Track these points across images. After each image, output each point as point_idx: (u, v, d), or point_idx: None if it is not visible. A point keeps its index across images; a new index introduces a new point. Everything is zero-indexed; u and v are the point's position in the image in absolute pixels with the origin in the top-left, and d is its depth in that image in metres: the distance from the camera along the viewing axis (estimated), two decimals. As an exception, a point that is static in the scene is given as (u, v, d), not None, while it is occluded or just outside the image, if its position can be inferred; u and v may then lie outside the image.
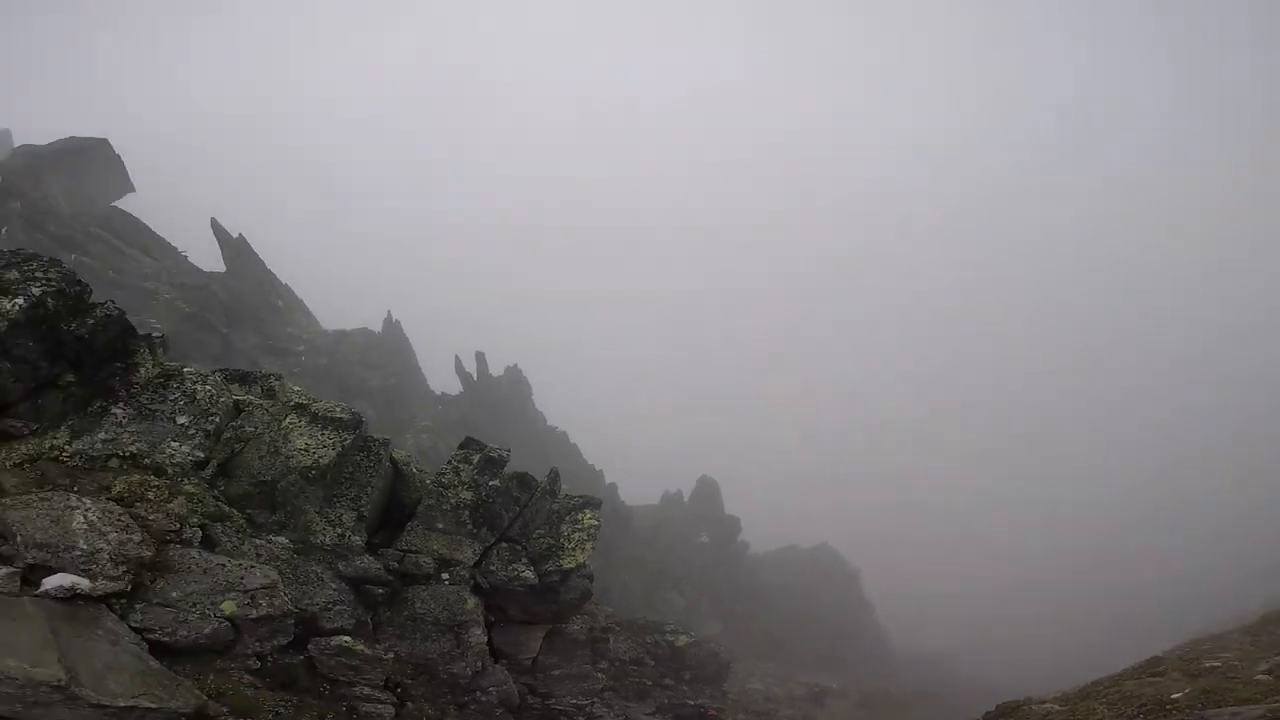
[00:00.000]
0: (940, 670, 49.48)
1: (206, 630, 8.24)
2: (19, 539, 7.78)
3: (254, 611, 8.60)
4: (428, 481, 12.48)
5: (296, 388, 12.29)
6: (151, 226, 33.54)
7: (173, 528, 9.12)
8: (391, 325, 42.41)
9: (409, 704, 9.90)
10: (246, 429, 10.84)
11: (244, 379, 11.99)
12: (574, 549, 12.87)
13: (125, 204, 35.75)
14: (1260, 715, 6.80)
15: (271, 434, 10.91)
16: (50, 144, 32.54)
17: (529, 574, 12.21)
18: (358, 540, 11.14)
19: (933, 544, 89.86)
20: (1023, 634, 61.72)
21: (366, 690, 9.28)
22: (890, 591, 61.97)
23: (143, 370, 10.33)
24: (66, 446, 9.48)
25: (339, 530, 10.99)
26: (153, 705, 7.03)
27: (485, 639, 11.41)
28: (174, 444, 10.12)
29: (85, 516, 8.38)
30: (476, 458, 12.91)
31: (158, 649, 7.83)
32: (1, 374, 9.11)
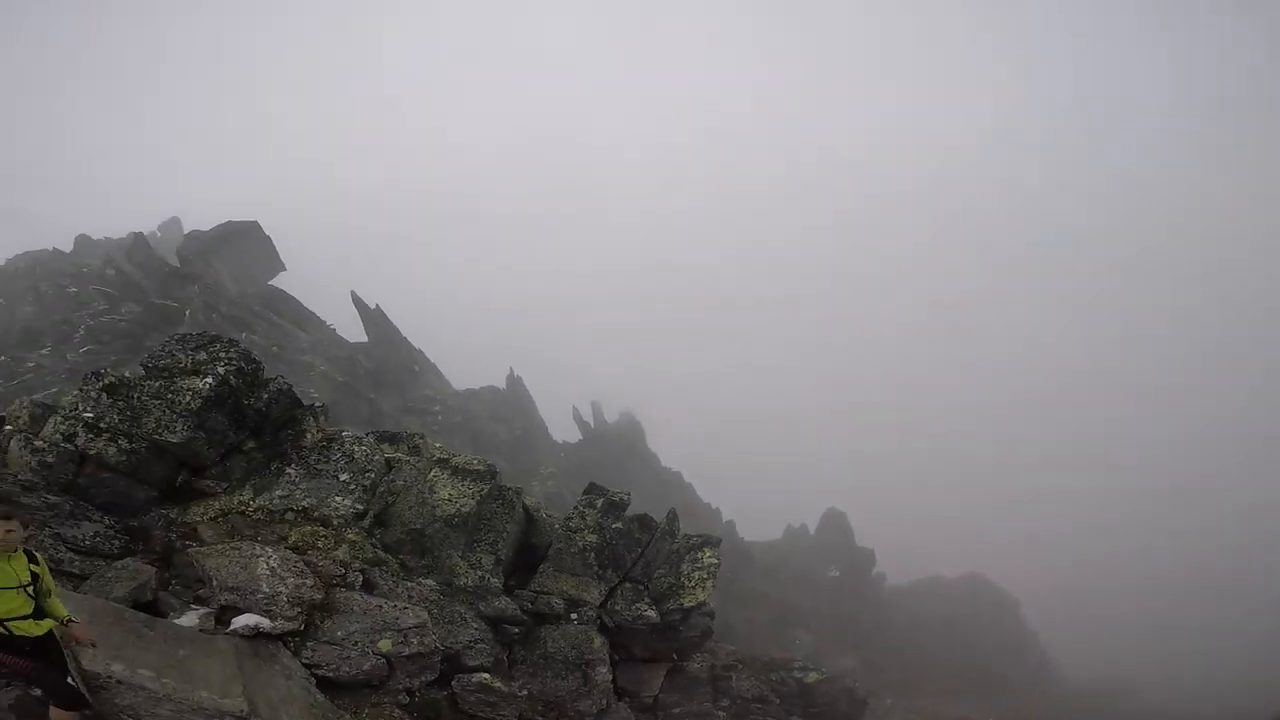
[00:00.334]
0: (1116, 702, 44.63)
1: (365, 667, 8.72)
2: (215, 583, 8.69)
3: (407, 649, 9.06)
4: (556, 526, 12.98)
5: (437, 444, 13.29)
6: (301, 300, 37.11)
7: (338, 573, 9.90)
8: (514, 381, 44.56)
9: (539, 740, 10.17)
10: (397, 483, 11.79)
11: (392, 439, 13.12)
12: (694, 587, 12.91)
13: (276, 280, 39.84)
14: None
15: (419, 487, 11.81)
16: (213, 229, 36.67)
17: (651, 613, 12.35)
18: (496, 582, 11.71)
19: (1102, 569, 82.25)
20: (1207, 666, 55.01)
21: (502, 726, 9.53)
22: (1059, 620, 56.79)
23: (309, 435, 11.57)
24: (251, 502, 10.65)
25: (479, 573, 11.60)
26: (319, 736, 7.52)
27: (610, 677, 11.54)
28: (338, 498, 11.11)
29: (268, 563, 9.19)
30: (600, 502, 13.25)
31: (323, 684, 8.36)
32: (197, 443, 10.44)
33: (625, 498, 13.57)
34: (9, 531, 5.76)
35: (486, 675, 9.91)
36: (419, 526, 11.52)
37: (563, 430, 45.75)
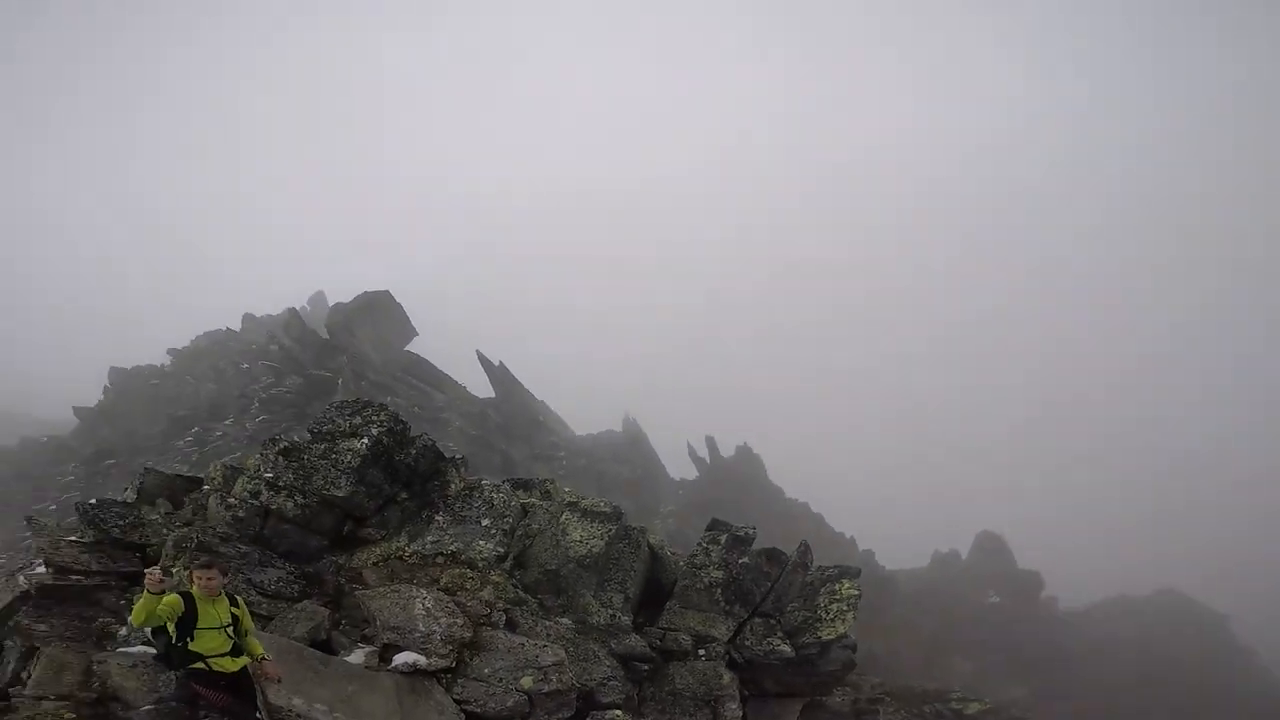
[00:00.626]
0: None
1: (509, 703, 8.93)
2: (378, 622, 9.35)
3: (546, 686, 9.26)
4: (681, 563, 12.96)
5: (566, 488, 13.82)
6: (433, 362, 39.65)
7: (484, 612, 10.40)
8: (630, 423, 45.34)
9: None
10: (533, 526, 12.30)
11: (526, 485, 13.76)
12: (833, 620, 12.41)
13: (411, 344, 42.69)
14: None
15: (552, 529, 12.25)
16: (352, 301, 39.81)
17: (785, 647, 12.00)
18: (626, 620, 11.82)
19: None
20: None
21: (633, 762, 9.51)
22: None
23: (453, 485, 12.39)
24: (406, 548, 11.43)
25: (610, 611, 11.79)
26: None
27: (740, 713, 11.30)
28: (481, 542, 11.69)
29: (423, 604, 9.76)
30: (724, 538, 13.11)
31: (471, 719, 8.66)
32: (359, 496, 11.46)
33: (750, 532, 13.38)
34: (210, 579, 6.58)
35: (618, 712, 9.96)
36: (554, 567, 11.95)
37: (679, 468, 45.88)
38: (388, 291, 41.48)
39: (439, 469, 12.55)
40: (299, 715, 7.20)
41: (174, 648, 6.45)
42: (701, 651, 11.82)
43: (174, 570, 9.37)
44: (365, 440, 11.63)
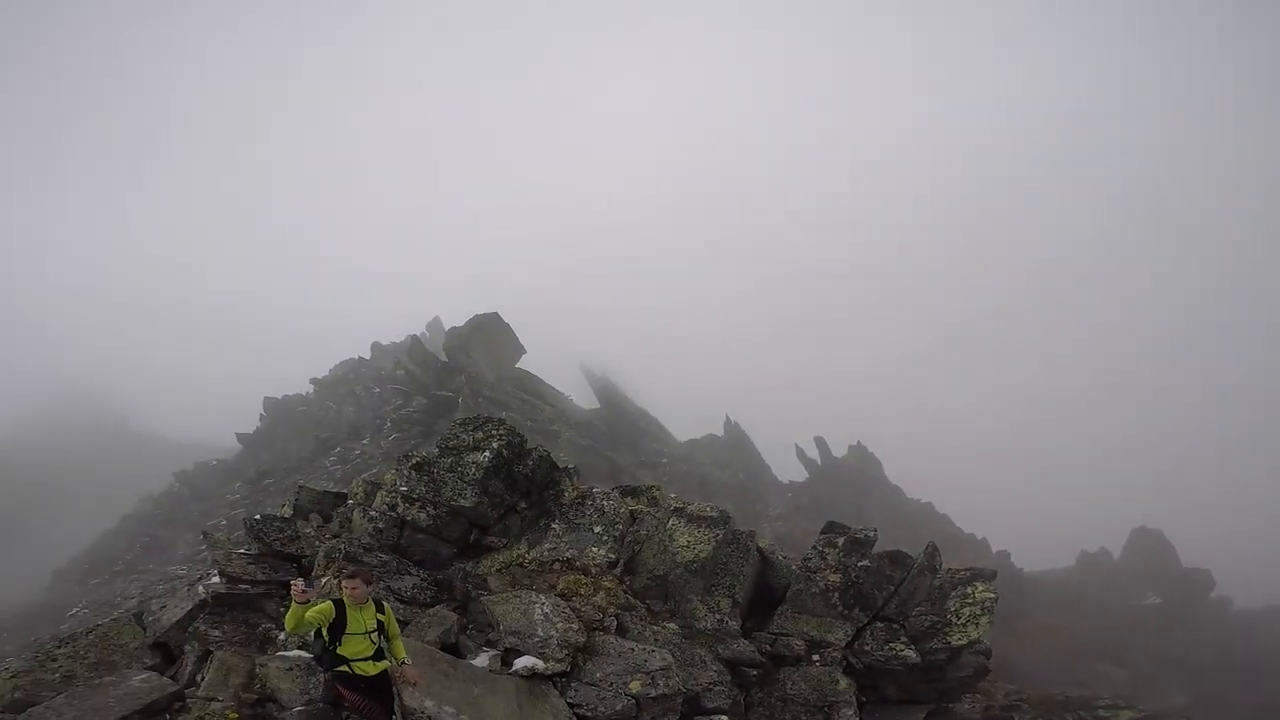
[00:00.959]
0: None
1: (618, 707, 8.93)
2: (501, 627, 9.68)
3: (654, 691, 9.23)
4: (794, 567, 12.72)
5: (672, 494, 13.83)
6: (541, 376, 40.76)
7: (597, 617, 10.57)
8: (731, 426, 44.74)
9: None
10: (641, 532, 12.41)
11: (633, 492, 13.88)
12: (964, 624, 11.79)
13: (520, 361, 44.02)
14: None
15: (660, 535, 12.32)
16: (465, 324, 41.49)
17: (909, 653, 11.45)
18: (734, 625, 11.70)
19: None
20: None
21: (739, 767, 9.34)
22: None
23: (566, 494, 12.71)
24: (526, 555, 11.83)
25: (718, 616, 11.71)
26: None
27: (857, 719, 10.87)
28: (594, 549, 11.92)
29: (542, 609, 10.04)
30: (841, 540, 12.75)
31: None
32: (483, 505, 11.97)
33: (871, 534, 12.92)
34: (355, 588, 6.94)
35: (724, 717, 9.85)
36: (662, 573, 11.99)
37: (786, 471, 44.78)
38: (496, 313, 43.16)
39: (554, 478, 12.90)
40: (430, 716, 7.50)
41: (326, 651, 6.88)
42: (815, 657, 11.52)
43: (323, 580, 10.07)
44: (487, 453, 12.14)
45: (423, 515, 11.59)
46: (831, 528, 13.35)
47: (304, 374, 54.45)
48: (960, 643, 11.56)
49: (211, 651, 8.98)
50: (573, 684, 9.15)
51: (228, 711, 7.90)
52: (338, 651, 6.83)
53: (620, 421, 38.94)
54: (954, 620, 11.82)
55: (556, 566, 11.63)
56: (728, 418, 45.22)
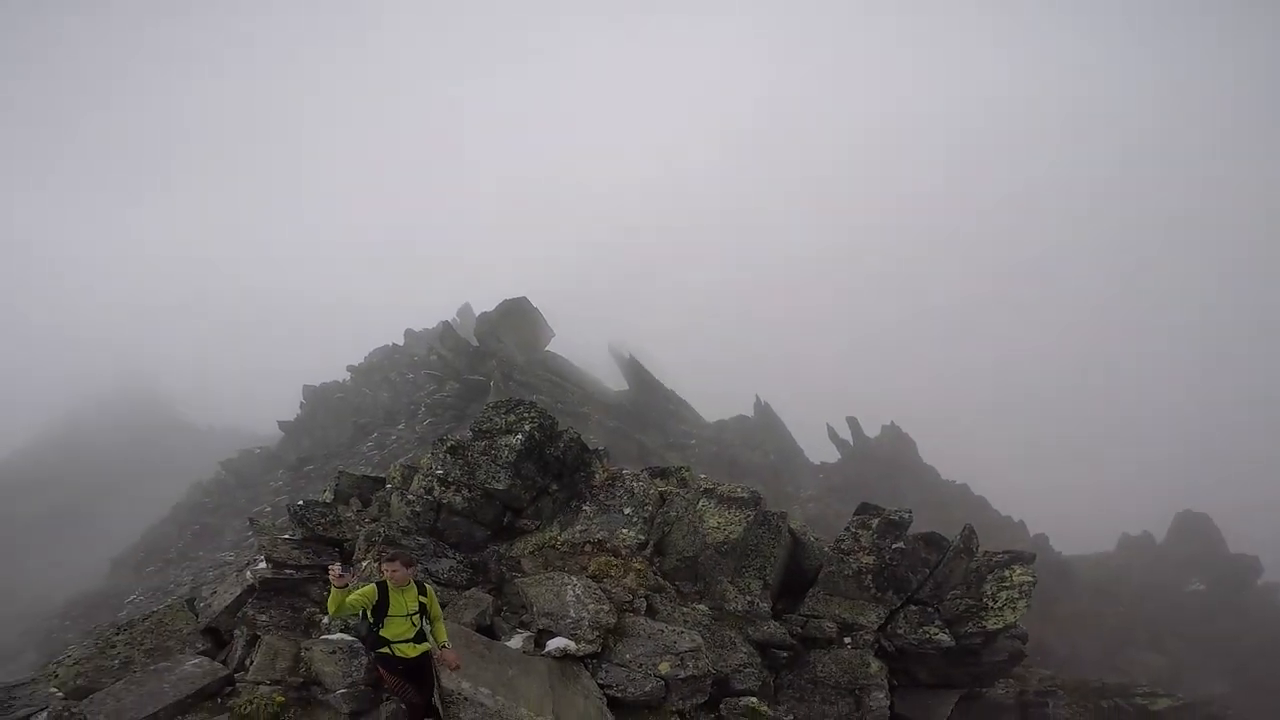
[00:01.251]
0: None
1: (647, 688, 8.99)
2: (534, 609, 9.76)
3: (683, 672, 9.26)
4: (826, 549, 12.56)
5: (702, 475, 13.76)
6: (570, 359, 40.88)
7: (627, 599, 10.60)
8: (761, 407, 44.43)
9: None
10: (671, 514, 12.38)
11: (663, 473, 13.83)
12: (1001, 608, 11.53)
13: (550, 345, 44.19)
14: None
15: (690, 516, 12.27)
16: (495, 309, 41.78)
17: (943, 636, 11.26)
18: (764, 607, 11.63)
19: None
20: None
21: (764, 750, 9.28)
22: None
23: (597, 476, 12.75)
24: (558, 537, 11.89)
25: (748, 598, 11.64)
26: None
27: (887, 703, 10.77)
28: (624, 530, 11.96)
29: (574, 591, 10.09)
30: (875, 522, 12.55)
31: (611, 704, 8.77)
32: (516, 488, 12.08)
33: (905, 516, 12.67)
34: (395, 571, 7.01)
35: (753, 699, 9.82)
36: (692, 554, 11.94)
37: (818, 451, 44.36)
38: (524, 298, 43.37)
39: (584, 460, 12.94)
40: (465, 698, 7.61)
41: (371, 632, 7.00)
42: (847, 639, 11.41)
43: (363, 563, 10.25)
44: (519, 436, 12.23)
45: (458, 498, 11.72)
46: (865, 509, 13.15)
47: (341, 362, 55.53)
48: (996, 627, 11.33)
49: (259, 636, 9.23)
50: (603, 665, 9.20)
51: (275, 695, 8.09)
52: (380, 634, 6.96)
53: (649, 403, 38.94)
54: (990, 604, 11.59)
55: (588, 548, 11.66)
56: (758, 398, 44.92)
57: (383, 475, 13.61)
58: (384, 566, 7.00)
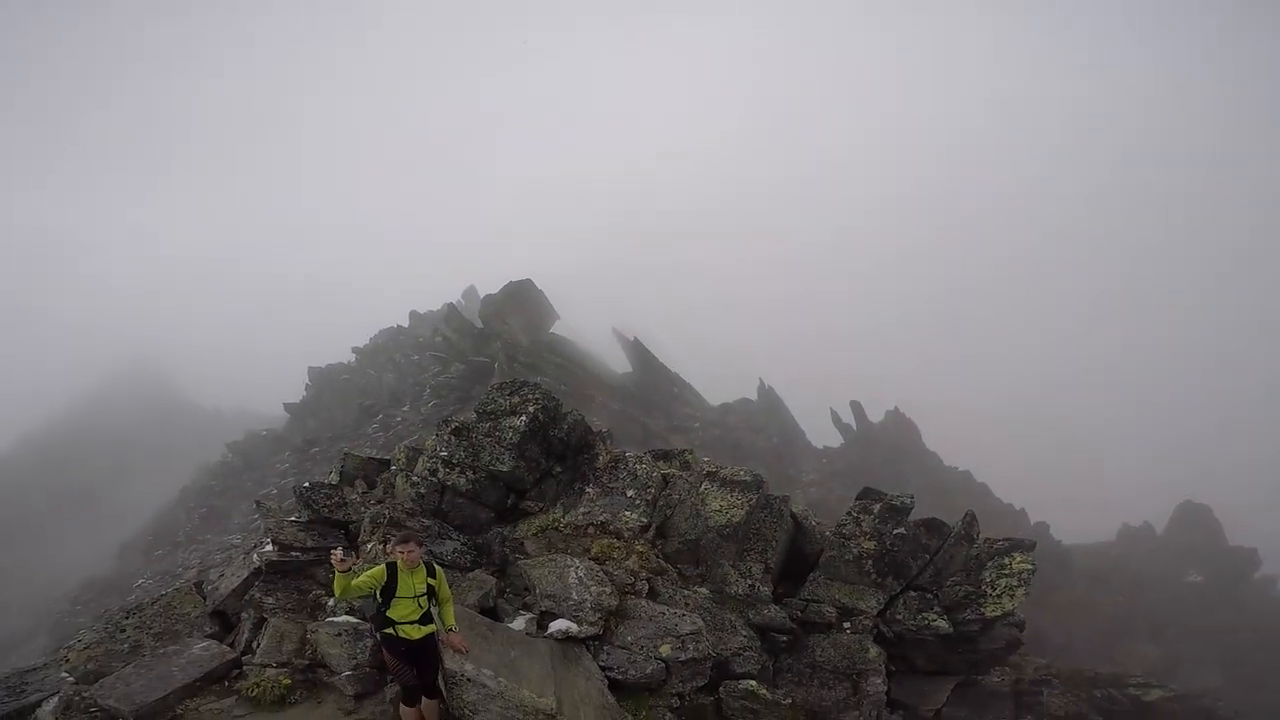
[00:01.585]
0: None
1: (648, 670, 9.05)
2: (537, 590, 9.82)
3: (683, 655, 9.32)
4: (828, 533, 12.52)
5: (705, 458, 13.73)
6: (573, 340, 40.81)
7: (629, 581, 10.62)
8: (765, 391, 44.35)
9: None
10: (674, 497, 12.34)
11: (666, 456, 13.81)
12: (999, 596, 11.53)
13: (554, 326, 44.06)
14: None
15: (692, 499, 12.23)
16: (499, 291, 41.65)
17: (942, 623, 11.27)
18: (765, 590, 11.63)
19: None
20: None
21: (762, 733, 9.30)
22: None
23: (601, 458, 12.70)
24: (561, 519, 11.86)
25: (749, 581, 11.62)
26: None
27: (884, 688, 10.81)
28: (627, 513, 11.91)
29: (576, 573, 10.11)
30: (877, 507, 12.50)
31: (612, 685, 8.83)
32: (520, 470, 12.05)
33: (907, 502, 12.63)
34: (410, 552, 7.03)
35: (753, 682, 9.87)
36: (694, 537, 11.93)
37: (821, 436, 44.34)
38: (529, 280, 43.22)
39: (588, 442, 12.92)
40: (469, 679, 7.65)
41: (379, 612, 7.03)
42: (846, 624, 11.42)
43: (368, 545, 10.29)
44: (523, 418, 12.18)
45: (462, 480, 11.72)
46: (867, 494, 13.12)
47: (346, 344, 55.59)
48: (994, 614, 11.35)
49: (266, 619, 9.30)
50: (605, 647, 9.24)
51: (281, 677, 8.17)
52: (386, 614, 6.99)
53: (653, 385, 38.93)
54: (989, 591, 11.59)
55: (590, 530, 11.65)
56: (761, 381, 44.79)
57: (388, 457, 13.60)
58: (398, 548, 7.01)
